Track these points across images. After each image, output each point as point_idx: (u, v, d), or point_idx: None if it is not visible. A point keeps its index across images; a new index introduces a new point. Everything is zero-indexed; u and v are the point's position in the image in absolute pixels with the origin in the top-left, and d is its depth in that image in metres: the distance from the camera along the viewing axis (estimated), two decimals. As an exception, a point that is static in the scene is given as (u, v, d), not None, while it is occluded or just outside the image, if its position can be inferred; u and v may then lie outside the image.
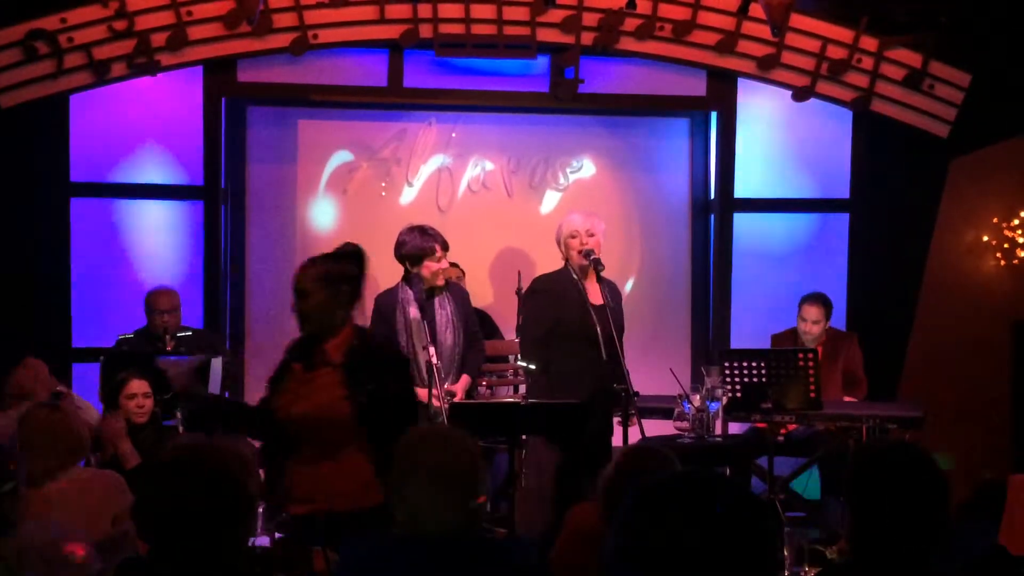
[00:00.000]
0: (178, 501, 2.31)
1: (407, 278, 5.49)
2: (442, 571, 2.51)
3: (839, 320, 6.76)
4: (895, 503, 2.36)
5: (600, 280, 5.30)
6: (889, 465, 2.43)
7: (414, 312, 5.41)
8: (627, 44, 6.52)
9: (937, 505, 2.39)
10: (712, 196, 7.02)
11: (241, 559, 2.44)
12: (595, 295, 5.31)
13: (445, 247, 5.47)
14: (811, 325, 6.29)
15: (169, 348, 5.86)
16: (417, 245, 5.42)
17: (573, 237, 5.32)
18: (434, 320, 5.36)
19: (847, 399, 6.27)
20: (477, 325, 5.74)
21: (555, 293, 5.33)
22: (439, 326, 5.40)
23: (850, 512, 2.44)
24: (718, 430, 5.44)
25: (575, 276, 5.32)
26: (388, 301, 5.50)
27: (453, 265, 6.57)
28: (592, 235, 5.32)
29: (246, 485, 2.41)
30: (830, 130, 6.96)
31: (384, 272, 5.88)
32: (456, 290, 5.69)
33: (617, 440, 5.14)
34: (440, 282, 5.48)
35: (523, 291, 5.43)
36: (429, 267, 5.42)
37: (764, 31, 6.48)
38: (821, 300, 6.34)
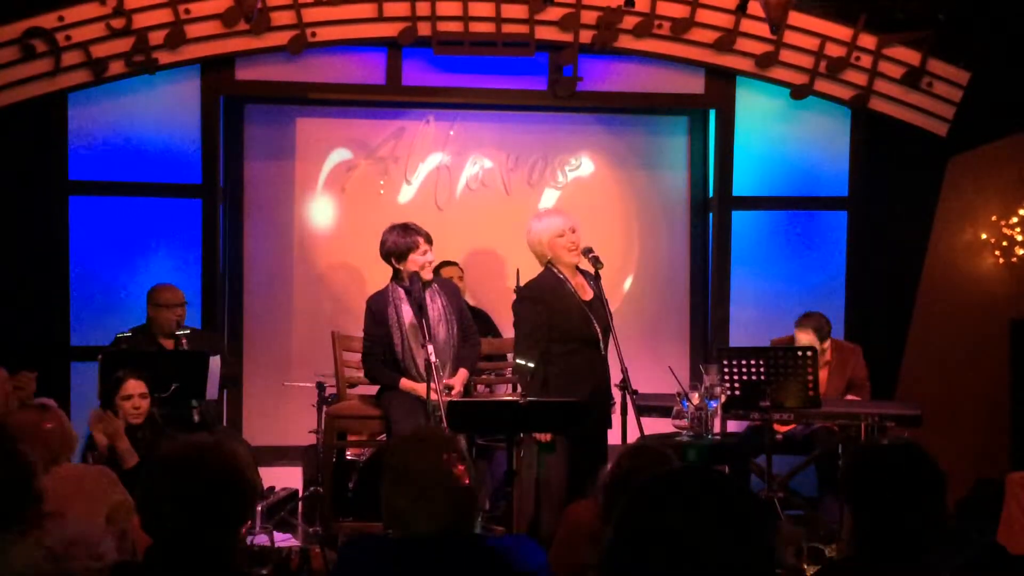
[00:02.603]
0: (188, 497, 2.31)
1: (397, 277, 5.51)
2: (439, 568, 2.51)
3: (837, 318, 6.75)
4: (893, 500, 2.36)
5: (584, 274, 5.31)
6: (886, 462, 2.43)
7: (407, 311, 5.42)
8: (625, 42, 6.51)
9: (934, 501, 2.39)
10: (711, 194, 7.02)
11: (240, 556, 2.44)
12: (585, 291, 5.31)
13: (428, 240, 5.50)
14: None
15: (170, 347, 5.87)
16: (401, 242, 5.45)
17: (561, 236, 5.28)
18: (428, 317, 5.36)
19: (851, 398, 6.23)
20: (470, 319, 5.75)
21: (548, 298, 5.24)
22: (433, 321, 5.41)
23: (849, 509, 2.44)
24: (717, 428, 5.43)
25: (562, 276, 5.28)
26: (380, 302, 5.53)
27: (452, 264, 6.57)
28: (574, 231, 5.31)
29: (252, 482, 2.42)
30: (828, 128, 6.95)
31: (380, 272, 5.87)
32: (446, 285, 5.71)
33: (615, 437, 5.13)
34: (428, 276, 5.51)
35: (517, 297, 5.41)
36: (415, 261, 5.45)
37: (763, 29, 6.46)
38: (812, 325, 6.15)
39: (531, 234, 5.36)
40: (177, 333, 5.92)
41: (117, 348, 5.88)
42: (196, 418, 5.48)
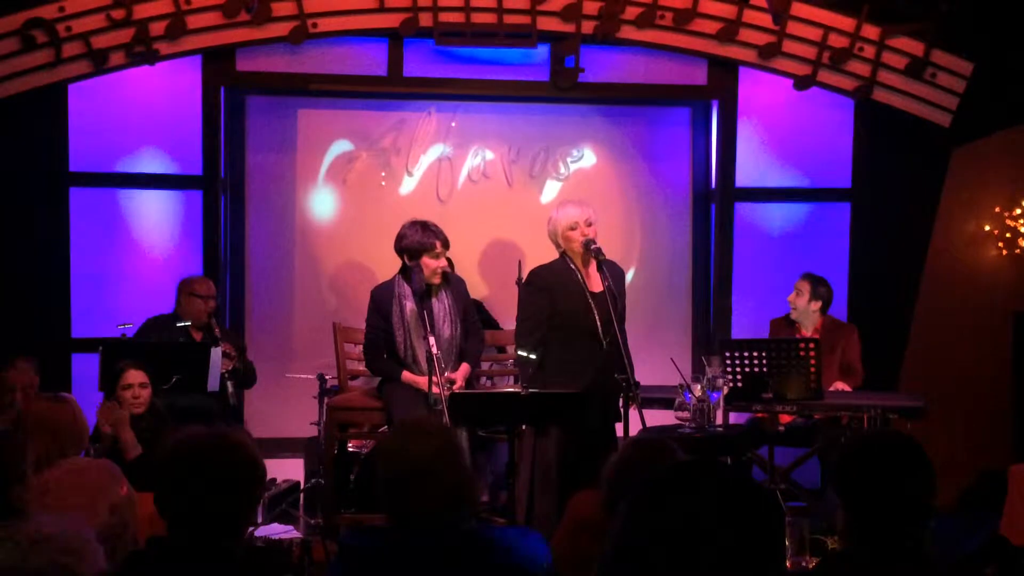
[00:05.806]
0: (202, 487, 2.32)
1: (404, 272, 5.48)
2: (440, 561, 2.50)
3: (840, 310, 6.74)
4: (880, 492, 2.35)
5: (600, 265, 5.26)
6: (873, 454, 2.42)
7: (411, 307, 5.39)
8: (627, 33, 6.49)
9: (923, 492, 2.37)
10: (713, 186, 7.01)
11: (244, 548, 2.44)
12: (595, 283, 5.28)
13: (446, 244, 5.44)
14: (794, 296, 6.28)
15: (198, 338, 5.91)
16: (418, 240, 5.40)
17: (573, 228, 5.23)
18: (432, 312, 5.34)
19: (840, 384, 6.22)
20: (475, 314, 5.73)
21: (553, 285, 5.23)
22: (437, 319, 5.39)
23: (840, 502, 2.43)
24: (719, 420, 5.43)
25: (573, 266, 5.27)
26: (384, 294, 5.49)
27: None
28: (590, 224, 5.27)
29: (261, 474, 2.43)
30: (831, 119, 6.93)
31: (382, 263, 5.86)
32: (453, 280, 5.67)
33: (617, 429, 5.12)
34: (437, 280, 5.46)
35: (521, 282, 5.39)
36: (427, 264, 5.40)
37: (765, 19, 6.45)
38: (808, 276, 6.33)
39: (549, 223, 5.37)
40: (210, 323, 6.02)
41: (121, 339, 5.86)
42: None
